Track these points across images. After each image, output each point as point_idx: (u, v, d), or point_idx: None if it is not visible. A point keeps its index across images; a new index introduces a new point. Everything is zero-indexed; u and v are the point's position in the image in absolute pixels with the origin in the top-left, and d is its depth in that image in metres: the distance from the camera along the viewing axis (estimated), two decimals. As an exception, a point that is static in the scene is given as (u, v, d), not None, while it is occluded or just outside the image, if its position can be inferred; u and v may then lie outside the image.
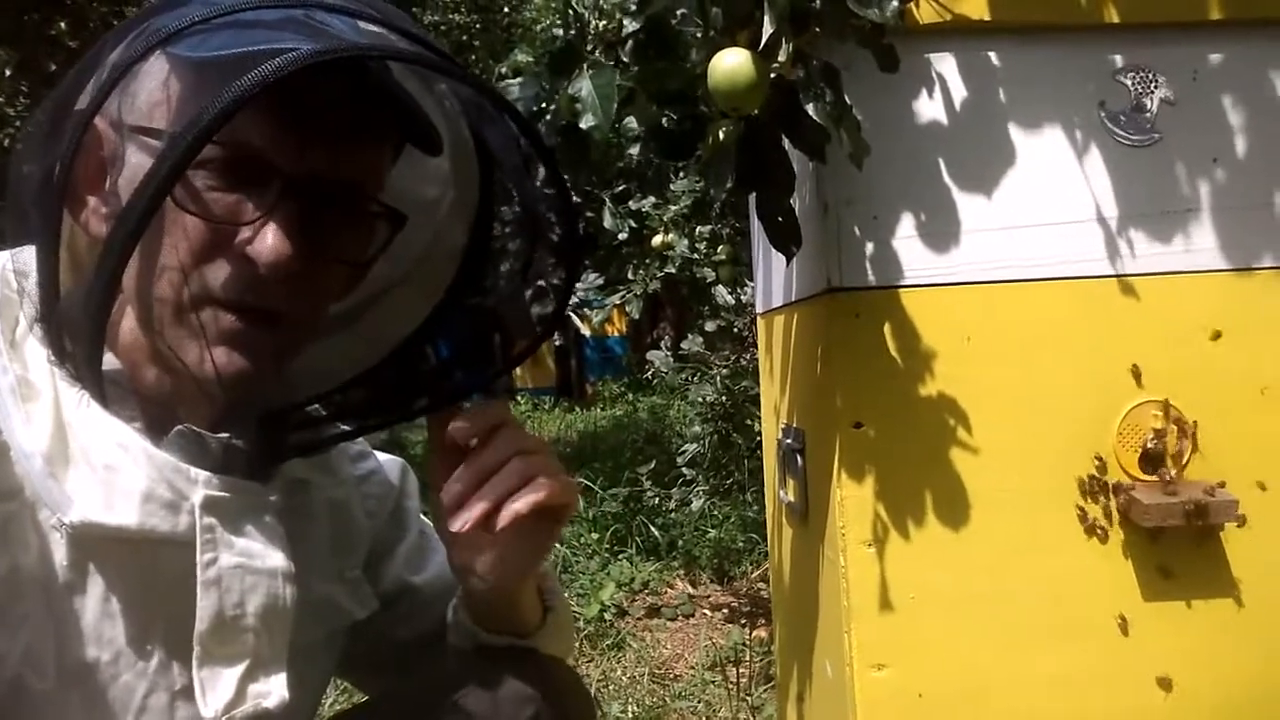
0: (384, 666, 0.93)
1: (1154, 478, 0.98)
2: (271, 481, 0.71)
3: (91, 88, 0.64)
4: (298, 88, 0.60)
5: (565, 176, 0.75)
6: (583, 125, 0.83)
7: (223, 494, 0.66)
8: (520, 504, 0.70)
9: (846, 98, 0.87)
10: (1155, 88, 1.01)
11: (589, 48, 0.93)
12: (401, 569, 0.93)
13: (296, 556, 0.70)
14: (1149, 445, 0.98)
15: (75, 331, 0.65)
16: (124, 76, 0.62)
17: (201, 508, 0.65)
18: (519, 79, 0.89)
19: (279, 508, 0.71)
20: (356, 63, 0.64)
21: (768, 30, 0.86)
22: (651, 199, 3.10)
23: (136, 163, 0.63)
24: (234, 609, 0.66)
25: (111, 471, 0.64)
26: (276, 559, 0.68)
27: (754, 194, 0.95)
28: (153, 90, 0.64)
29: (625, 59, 0.91)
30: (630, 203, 3.14)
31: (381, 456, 0.93)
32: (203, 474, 0.66)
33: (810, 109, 0.85)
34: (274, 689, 0.67)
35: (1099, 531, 0.99)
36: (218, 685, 0.66)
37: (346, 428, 0.80)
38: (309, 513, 0.80)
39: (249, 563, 0.67)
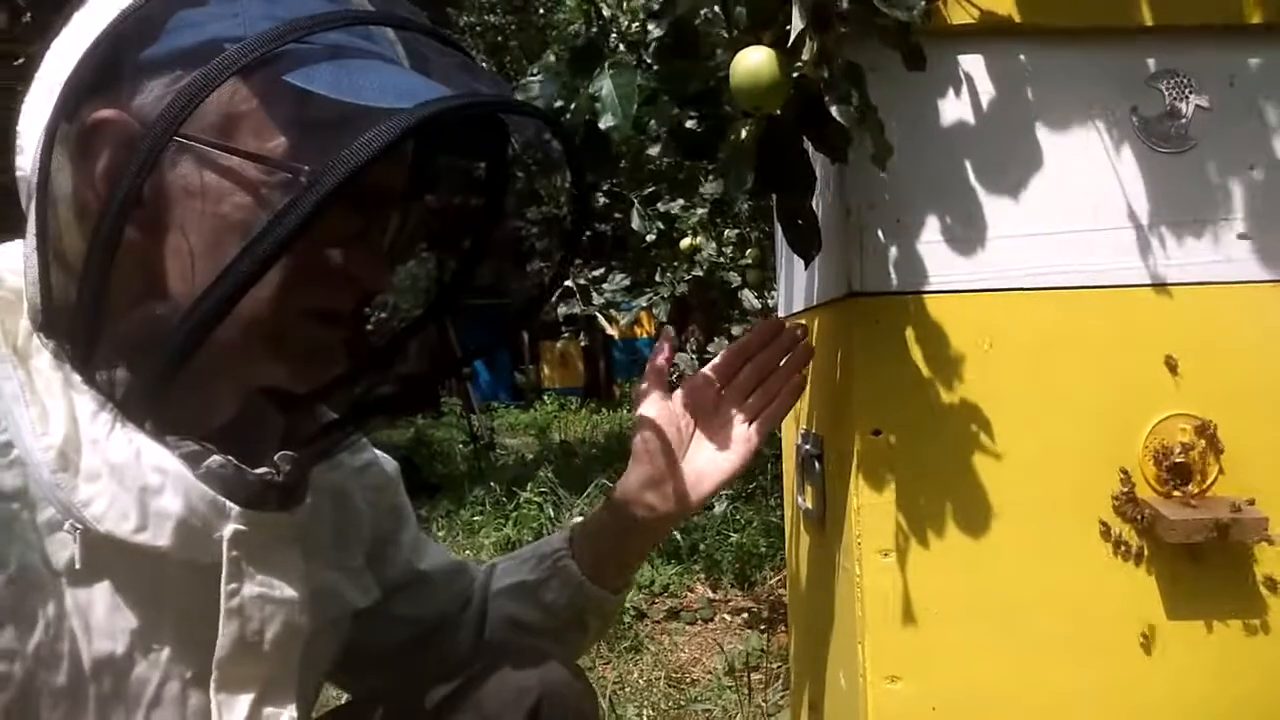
0: (387, 658, 0.95)
1: (1180, 492, 0.96)
2: (300, 506, 0.73)
3: (151, 91, 0.62)
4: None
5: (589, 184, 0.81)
6: (602, 125, 0.83)
7: (250, 529, 0.68)
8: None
9: (871, 98, 0.86)
10: (1190, 93, 0.98)
11: (611, 46, 0.92)
12: (409, 555, 0.95)
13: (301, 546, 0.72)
14: (1176, 459, 0.96)
15: (128, 352, 0.65)
16: (205, 90, 0.60)
17: (229, 541, 0.67)
18: (539, 76, 0.88)
19: (300, 527, 0.73)
20: (485, 108, 0.70)
21: (795, 28, 0.85)
22: (680, 201, 3.10)
23: (214, 181, 0.63)
24: (253, 636, 0.68)
25: (148, 493, 0.64)
26: (295, 589, 0.71)
27: (774, 195, 0.93)
28: (234, 103, 0.63)
29: (648, 59, 0.90)
30: (659, 205, 3.14)
31: (376, 452, 0.95)
32: (235, 508, 0.67)
33: (834, 110, 0.84)
34: (285, 712, 0.71)
35: (1122, 546, 0.96)
36: (234, 709, 0.68)
37: (357, 418, 0.82)
38: (312, 503, 0.81)
39: (269, 593, 0.69)
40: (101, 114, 0.63)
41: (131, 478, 0.64)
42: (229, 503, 0.66)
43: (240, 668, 0.68)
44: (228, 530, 0.66)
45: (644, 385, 0.94)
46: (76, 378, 0.65)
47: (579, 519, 1.03)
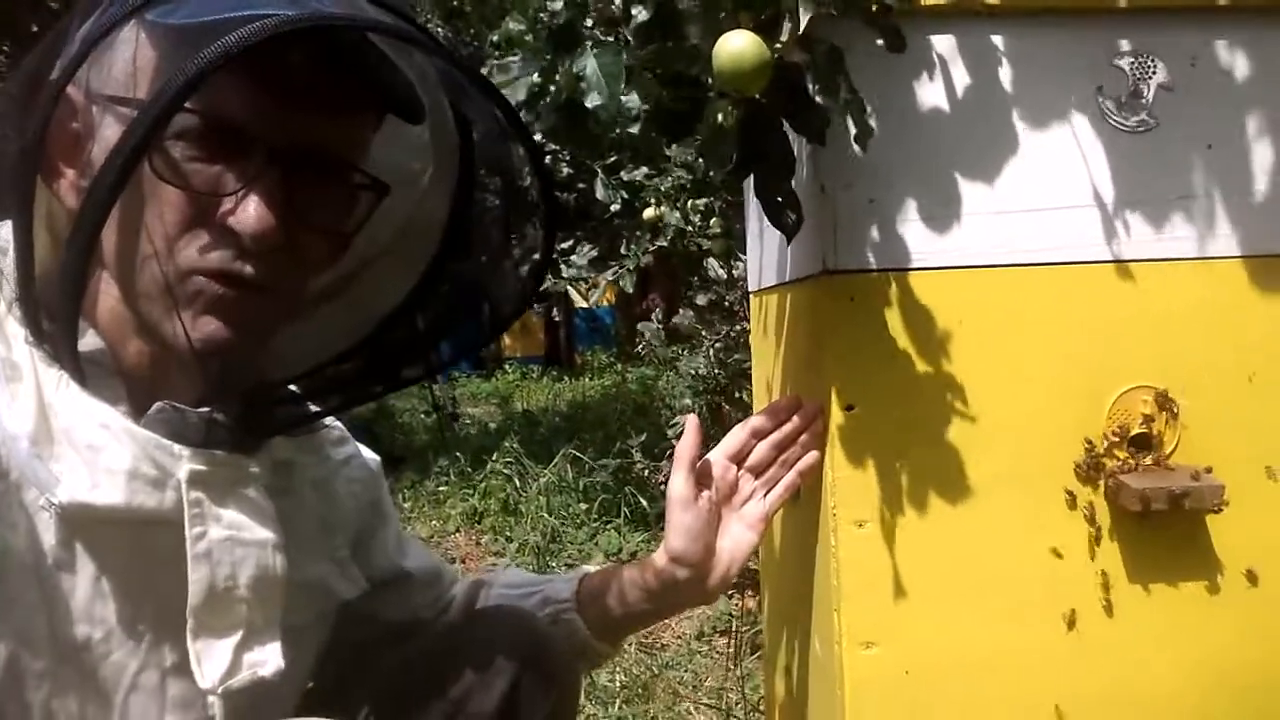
0: (345, 654, 0.93)
1: (1142, 461, 0.99)
2: (256, 454, 0.71)
3: (63, 58, 0.63)
4: (276, 56, 0.60)
5: (543, 144, 0.77)
6: (588, 104, 0.83)
7: (207, 468, 0.66)
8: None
9: (852, 80, 0.87)
10: (1153, 73, 1.01)
11: (589, 24, 0.92)
12: (392, 552, 0.94)
13: (286, 537, 0.71)
14: (1138, 429, 0.99)
15: (51, 309, 0.65)
16: (96, 45, 0.61)
17: (187, 482, 0.65)
18: (519, 56, 0.88)
19: (265, 483, 0.71)
20: (331, 32, 0.63)
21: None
22: (644, 170, 3.09)
23: (110, 133, 0.63)
24: (226, 581, 0.67)
25: (95, 451, 0.64)
26: (265, 530, 0.69)
27: (754, 176, 0.94)
28: (127, 59, 0.63)
29: (628, 36, 0.90)
30: (622, 174, 3.13)
31: (358, 446, 0.94)
32: (186, 449, 0.66)
33: (818, 95, 0.85)
34: (269, 658, 0.68)
35: (1087, 514, 1.00)
36: (213, 656, 0.66)
37: (333, 402, 0.80)
38: (296, 493, 0.80)
39: (238, 535, 0.67)
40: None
41: (80, 438, 0.63)
42: (177, 445, 0.65)
43: (217, 616, 0.66)
44: (183, 471, 0.65)
45: (674, 479, 0.95)
46: (34, 345, 0.65)
47: (588, 568, 1.04)
